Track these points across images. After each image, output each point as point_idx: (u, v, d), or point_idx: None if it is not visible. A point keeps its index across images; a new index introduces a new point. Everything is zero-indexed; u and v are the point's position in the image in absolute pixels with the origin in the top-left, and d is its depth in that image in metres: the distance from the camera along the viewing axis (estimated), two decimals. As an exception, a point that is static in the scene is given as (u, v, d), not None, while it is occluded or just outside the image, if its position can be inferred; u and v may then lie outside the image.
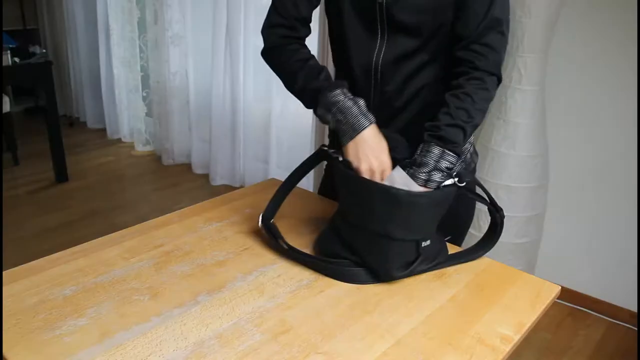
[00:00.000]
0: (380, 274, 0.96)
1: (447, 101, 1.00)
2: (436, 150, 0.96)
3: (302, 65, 1.07)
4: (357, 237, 0.98)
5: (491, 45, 1.00)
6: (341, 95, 1.00)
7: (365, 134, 0.98)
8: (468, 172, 1.05)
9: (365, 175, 0.97)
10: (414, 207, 0.92)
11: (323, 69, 1.06)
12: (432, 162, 0.96)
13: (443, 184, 0.96)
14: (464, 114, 0.98)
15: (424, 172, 0.95)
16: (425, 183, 0.95)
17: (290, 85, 1.09)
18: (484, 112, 1.01)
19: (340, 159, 1.01)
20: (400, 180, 0.95)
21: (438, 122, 0.98)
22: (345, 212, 1.01)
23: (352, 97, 1.01)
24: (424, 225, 0.96)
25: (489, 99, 1.02)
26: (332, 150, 1.05)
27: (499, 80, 1.03)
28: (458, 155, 0.98)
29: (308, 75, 1.05)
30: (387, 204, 0.92)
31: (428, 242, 0.97)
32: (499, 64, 1.02)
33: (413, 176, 0.96)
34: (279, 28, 1.09)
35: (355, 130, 0.98)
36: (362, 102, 1.01)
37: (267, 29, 1.11)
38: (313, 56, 1.09)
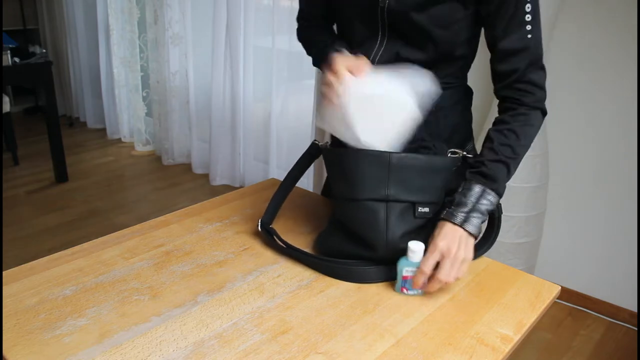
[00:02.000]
0: (386, 244, 0.94)
1: (492, 137, 0.99)
2: (477, 189, 0.95)
3: (311, 42, 1.19)
4: (354, 213, 0.97)
5: (535, 82, 0.99)
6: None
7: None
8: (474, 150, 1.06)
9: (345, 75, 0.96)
10: (406, 169, 0.94)
11: (312, 43, 1.15)
12: (471, 202, 0.94)
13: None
14: (509, 150, 0.97)
15: (463, 212, 0.93)
16: (462, 223, 0.93)
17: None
18: (527, 148, 1.01)
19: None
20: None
21: (481, 158, 0.98)
22: (341, 191, 1.00)
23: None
24: (420, 187, 0.95)
25: (534, 135, 1.02)
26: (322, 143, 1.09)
27: (544, 114, 1.03)
28: (499, 195, 0.97)
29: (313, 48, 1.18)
30: (379, 169, 0.94)
31: (427, 209, 0.96)
32: (543, 99, 1.02)
33: (452, 215, 0.93)
34: (299, 18, 1.23)
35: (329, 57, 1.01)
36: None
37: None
38: (313, 30, 1.19)
